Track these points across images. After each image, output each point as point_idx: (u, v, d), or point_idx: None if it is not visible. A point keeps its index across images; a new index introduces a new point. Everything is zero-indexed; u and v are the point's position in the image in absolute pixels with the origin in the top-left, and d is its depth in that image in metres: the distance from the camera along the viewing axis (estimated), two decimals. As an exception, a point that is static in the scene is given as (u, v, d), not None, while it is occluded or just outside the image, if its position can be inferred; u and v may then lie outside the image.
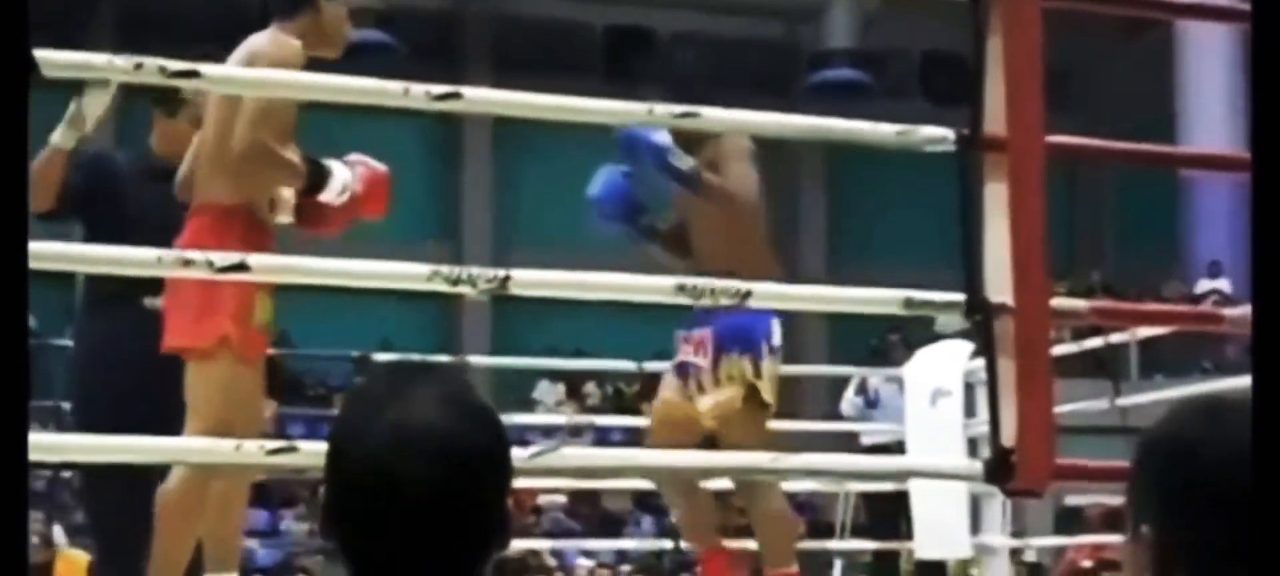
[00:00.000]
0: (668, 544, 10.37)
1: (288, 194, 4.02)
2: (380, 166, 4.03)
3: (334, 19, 3.99)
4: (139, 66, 2.84)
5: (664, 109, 3.13)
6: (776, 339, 4.66)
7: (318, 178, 3.89)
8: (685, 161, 4.49)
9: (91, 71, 3.23)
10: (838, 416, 9.17)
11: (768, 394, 4.63)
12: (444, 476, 1.51)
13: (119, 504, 4.30)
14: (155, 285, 4.15)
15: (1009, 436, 3.03)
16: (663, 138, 4.44)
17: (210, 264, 2.93)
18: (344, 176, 3.94)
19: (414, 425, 1.52)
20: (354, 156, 4.02)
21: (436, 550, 1.52)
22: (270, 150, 3.72)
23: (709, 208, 4.61)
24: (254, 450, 2.98)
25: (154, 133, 4.65)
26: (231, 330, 3.68)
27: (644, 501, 14.43)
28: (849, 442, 8.71)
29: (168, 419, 3.73)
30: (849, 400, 8.81)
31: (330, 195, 3.91)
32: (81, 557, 5.80)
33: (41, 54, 2.79)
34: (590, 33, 18.23)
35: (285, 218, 4.04)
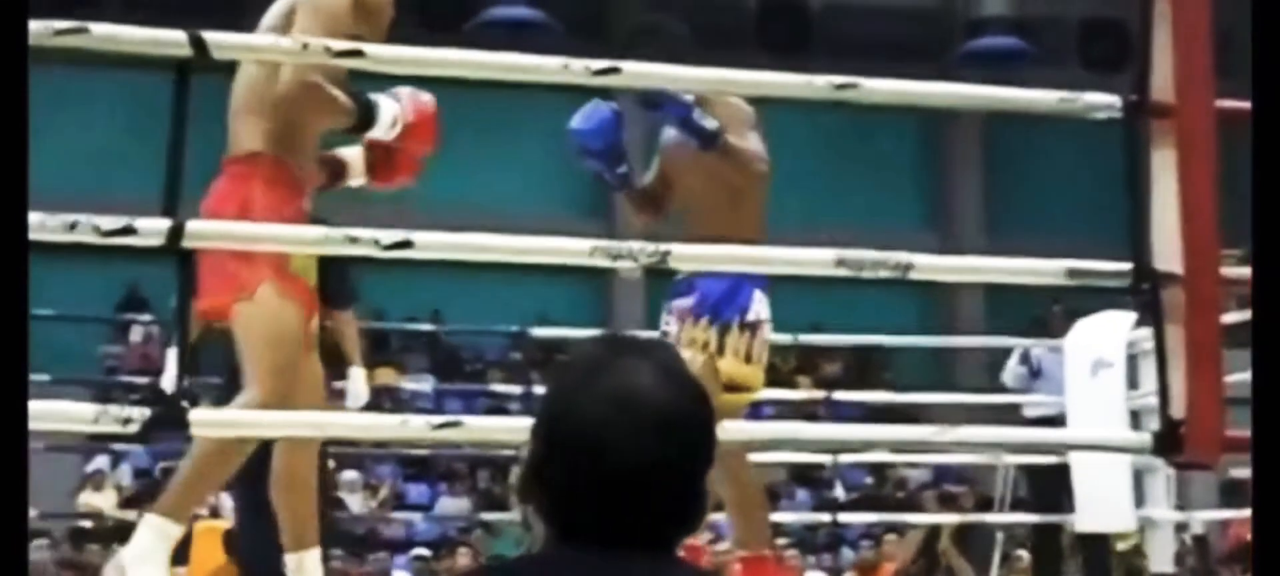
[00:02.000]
0: (825, 517, 10.36)
1: (355, 155, 3.93)
2: (425, 95, 3.84)
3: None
4: (305, 48, 2.88)
5: (824, 80, 3.11)
6: (755, 312, 4.55)
7: (366, 113, 3.72)
8: (709, 121, 4.37)
9: (257, 53, 3.28)
10: (996, 389, 9.06)
11: (728, 367, 4.50)
12: (658, 445, 1.55)
13: (258, 473, 4.39)
14: None
15: (1178, 408, 2.98)
16: (687, 94, 4.34)
17: (376, 242, 2.97)
18: (392, 109, 3.76)
19: (631, 393, 1.57)
20: (401, 89, 3.84)
21: (643, 517, 1.56)
22: (318, 86, 3.57)
23: (714, 171, 4.48)
24: (420, 425, 3.02)
25: None
26: (271, 275, 3.57)
27: (800, 475, 14.39)
28: (1010, 415, 8.60)
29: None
30: (1011, 371, 8.69)
31: (382, 131, 3.75)
32: (219, 525, 5.94)
33: (210, 35, 2.85)
34: (743, 6, 18.15)
35: (358, 179, 3.96)
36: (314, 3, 3.58)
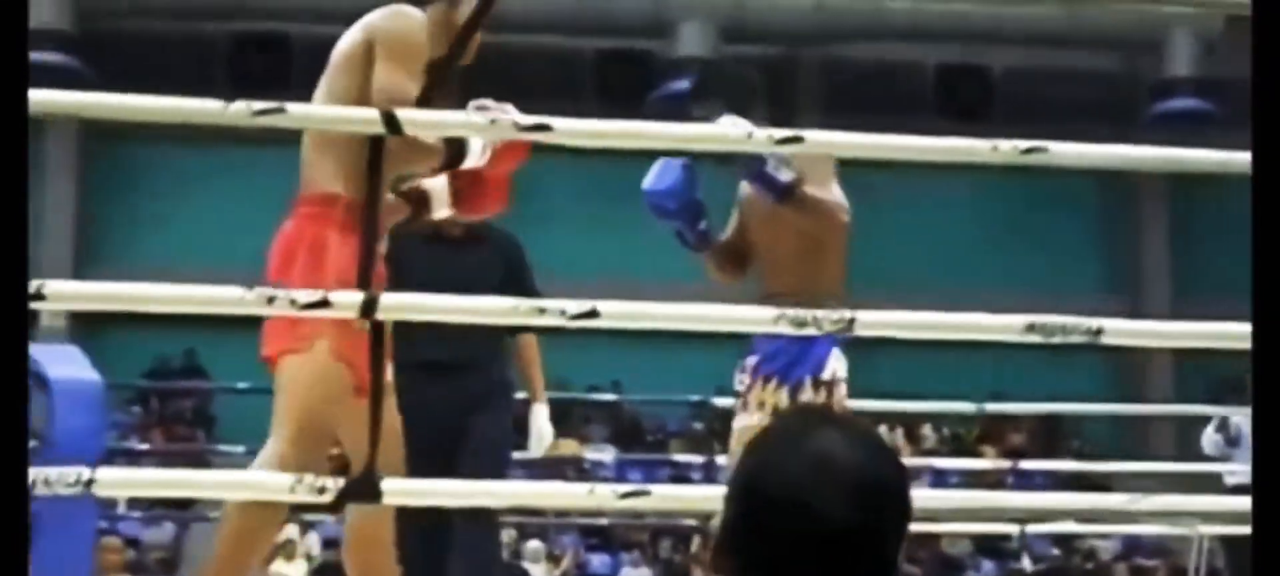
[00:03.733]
0: (1011, 589, 10.18)
1: (439, 187, 3.71)
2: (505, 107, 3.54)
3: (466, 22, 3.53)
4: (493, 123, 2.94)
5: (1010, 145, 3.09)
6: (831, 370, 4.35)
7: (458, 151, 3.50)
8: (784, 172, 4.15)
9: (446, 129, 3.35)
10: (1187, 457, 8.85)
11: None
12: (859, 511, 1.56)
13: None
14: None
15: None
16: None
17: (563, 312, 3.00)
18: (479, 140, 3.53)
19: (833, 459, 1.58)
20: (483, 100, 3.58)
21: None
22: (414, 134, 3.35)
23: (792, 223, 4.30)
24: (607, 494, 3.04)
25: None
26: (332, 331, 3.38)
27: (984, 545, 14.16)
28: (1206, 483, 8.39)
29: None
30: (1209, 438, 8.48)
31: (474, 160, 3.52)
32: None
33: (403, 113, 2.92)
34: (923, 72, 18.07)
35: (443, 211, 3.76)
36: (392, 38, 3.45)
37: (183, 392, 15.75)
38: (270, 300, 2.99)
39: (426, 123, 3.04)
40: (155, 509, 10.60)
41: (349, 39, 3.51)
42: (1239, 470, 8.00)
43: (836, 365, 4.38)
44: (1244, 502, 6.51)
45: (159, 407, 15.70)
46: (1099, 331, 3.07)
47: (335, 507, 3.16)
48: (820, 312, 2.99)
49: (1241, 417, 8.10)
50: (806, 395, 4.32)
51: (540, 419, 5.23)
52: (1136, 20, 17.16)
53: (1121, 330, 3.34)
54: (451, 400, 4.83)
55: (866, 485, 1.58)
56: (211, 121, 3.04)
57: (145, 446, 12.76)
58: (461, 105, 3.33)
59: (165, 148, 16.41)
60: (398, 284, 3.91)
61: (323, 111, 3.02)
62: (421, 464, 3.90)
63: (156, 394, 15.64)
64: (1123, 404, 15.88)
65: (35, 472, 2.98)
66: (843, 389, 4.42)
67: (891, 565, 1.60)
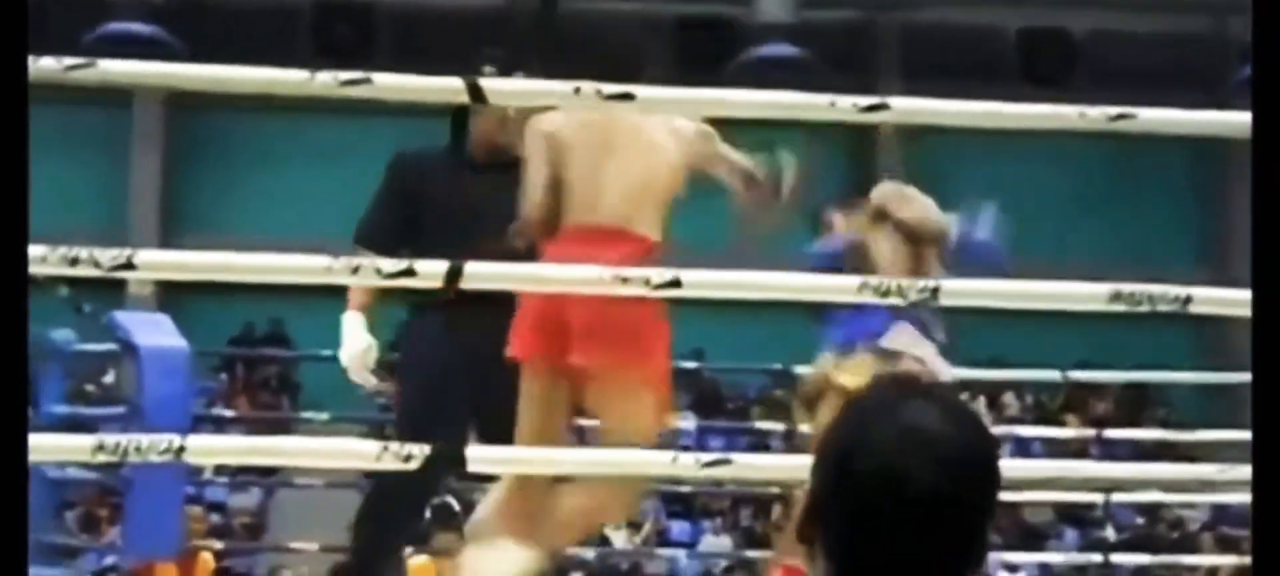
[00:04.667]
0: (1095, 558, 10.11)
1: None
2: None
3: None
4: (577, 91, 2.95)
5: (1098, 111, 3.06)
6: (887, 341, 4.59)
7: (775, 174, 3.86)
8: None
9: (532, 98, 3.36)
10: None
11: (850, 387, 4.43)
12: (950, 481, 1.57)
13: None
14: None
15: None
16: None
17: (647, 281, 3.00)
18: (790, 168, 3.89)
19: (924, 430, 1.59)
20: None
21: (932, 552, 1.58)
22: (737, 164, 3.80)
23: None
24: (690, 462, 3.05)
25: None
26: (662, 357, 3.72)
27: (1067, 514, 14.07)
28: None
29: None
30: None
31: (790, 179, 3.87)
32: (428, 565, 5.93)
33: (487, 83, 2.93)
34: (1004, 36, 17.90)
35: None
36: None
37: (267, 360, 15.90)
38: (355, 270, 3.01)
39: (512, 92, 3.05)
40: (241, 475, 10.72)
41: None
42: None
43: (904, 339, 4.48)
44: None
45: (244, 375, 15.87)
46: (1187, 299, 3.04)
47: (422, 475, 3.19)
48: (904, 281, 2.98)
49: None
50: (861, 361, 4.49)
51: None
52: (1225, -18, 16.93)
53: (1210, 298, 3.31)
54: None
55: (956, 456, 1.59)
56: (298, 92, 3.07)
57: (231, 413, 12.91)
58: (546, 76, 3.37)
59: (251, 117, 16.53)
60: (419, 204, 4.33)
61: (407, 81, 3.04)
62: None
63: (242, 361, 15.80)
64: (1210, 372, 15.70)
65: (127, 439, 3.02)
66: (915, 363, 4.50)
67: (980, 535, 1.61)
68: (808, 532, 1.64)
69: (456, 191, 4.48)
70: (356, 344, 4.30)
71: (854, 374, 4.48)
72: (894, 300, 3.05)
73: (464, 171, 4.53)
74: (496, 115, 4.35)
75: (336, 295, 4.35)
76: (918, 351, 4.58)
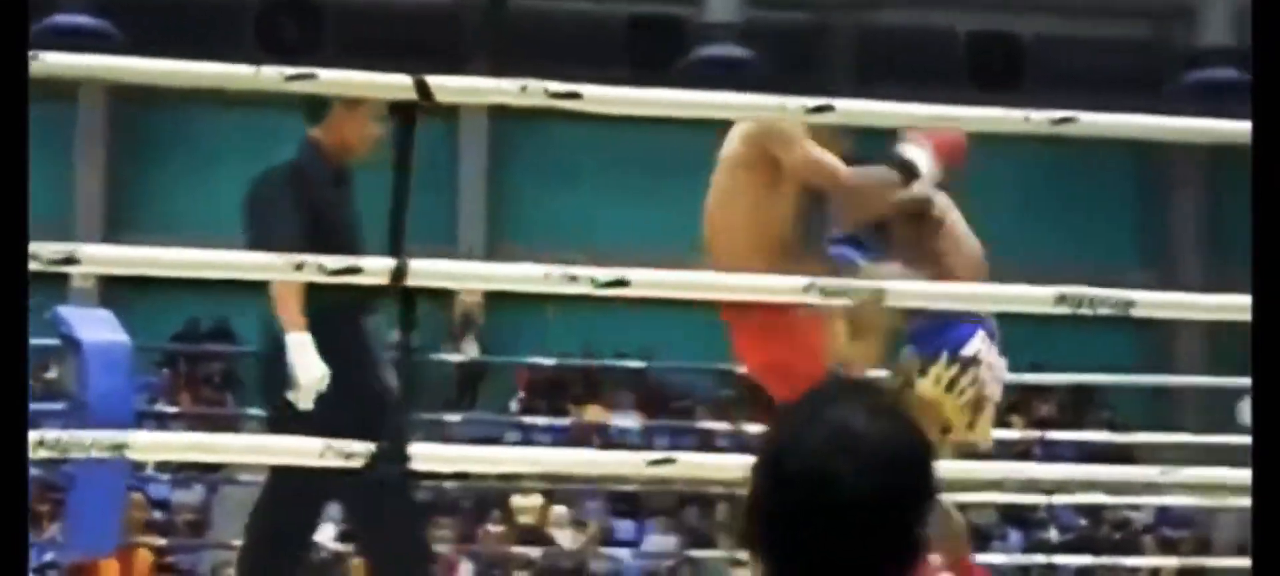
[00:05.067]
0: (1038, 559, 10.17)
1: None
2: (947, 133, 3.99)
3: None
4: (524, 89, 2.94)
5: (1042, 115, 3.07)
6: (968, 349, 4.52)
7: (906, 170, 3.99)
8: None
9: (479, 95, 3.35)
10: (1218, 429, 8.82)
11: (929, 393, 4.50)
12: (879, 481, 1.57)
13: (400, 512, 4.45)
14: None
15: None
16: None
17: (593, 280, 3.00)
18: (922, 157, 4.00)
19: (852, 430, 1.59)
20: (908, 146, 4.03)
21: (864, 553, 1.57)
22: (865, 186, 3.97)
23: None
24: (635, 461, 3.04)
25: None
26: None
27: (1012, 515, 14.14)
28: (1238, 456, 8.36)
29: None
30: (1243, 410, 8.46)
31: (926, 176, 4.02)
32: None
33: (434, 80, 2.92)
34: (953, 40, 17.99)
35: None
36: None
37: (212, 356, 15.80)
38: (299, 266, 2.99)
39: (459, 89, 3.04)
40: (184, 472, 10.65)
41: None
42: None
43: (980, 346, 4.51)
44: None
45: (188, 371, 15.76)
46: (1130, 303, 3.06)
47: (364, 472, 3.18)
48: (852, 282, 2.98)
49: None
50: (941, 369, 4.48)
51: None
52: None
53: (1153, 301, 3.33)
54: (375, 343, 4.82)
55: (886, 456, 1.59)
56: (243, 87, 3.05)
57: (174, 409, 12.82)
58: (497, 74, 3.38)
59: (197, 112, 16.43)
60: (316, 215, 4.43)
61: (352, 77, 3.02)
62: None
63: (186, 357, 15.70)
64: (1153, 375, 15.83)
65: (69, 435, 2.99)
66: (983, 370, 4.52)
67: (914, 536, 1.60)
68: (748, 535, 1.64)
69: (338, 202, 4.54)
70: (315, 369, 4.12)
71: (935, 381, 4.54)
72: (841, 301, 3.05)
73: (331, 183, 4.58)
74: (359, 121, 4.42)
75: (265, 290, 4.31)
76: (991, 359, 4.62)
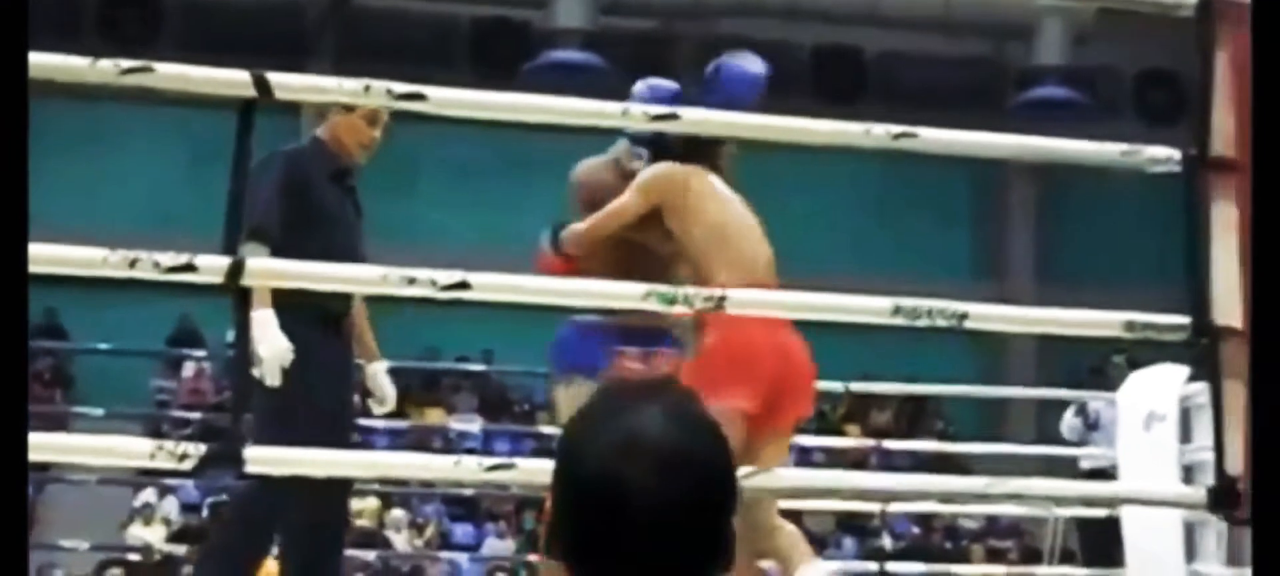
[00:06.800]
0: (872, 566, 10.32)
1: None
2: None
3: None
4: (367, 89, 2.91)
5: (882, 129, 3.11)
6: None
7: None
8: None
9: (321, 94, 3.31)
10: (1047, 439, 9.02)
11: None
12: (672, 486, 1.52)
13: (313, 516, 4.40)
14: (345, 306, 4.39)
15: (1235, 464, 2.95)
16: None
17: (433, 283, 2.99)
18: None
19: (643, 435, 1.54)
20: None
21: (662, 561, 1.52)
22: None
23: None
24: (473, 466, 3.03)
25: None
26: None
27: (846, 522, 14.33)
28: (1062, 466, 8.55)
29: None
30: (1068, 423, 8.66)
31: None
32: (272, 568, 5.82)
33: (274, 76, 2.88)
34: (799, 52, 18.19)
35: None
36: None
37: (41, 352, 15.45)
38: (132, 263, 2.93)
39: (300, 87, 3.00)
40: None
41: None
42: (1095, 454, 8.16)
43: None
44: (1098, 487, 6.67)
45: (17, 367, 15.39)
46: (964, 315, 3.11)
47: (195, 473, 3.13)
48: (691, 290, 3.00)
49: (1100, 402, 8.26)
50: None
51: (382, 377, 5.11)
52: (1009, 7, 17.40)
53: (986, 314, 3.38)
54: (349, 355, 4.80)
55: (679, 460, 1.53)
56: (77, 79, 2.97)
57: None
58: (337, 72, 3.35)
59: (32, 104, 16.05)
60: (307, 203, 4.48)
61: (190, 72, 2.96)
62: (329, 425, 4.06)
63: (14, 353, 15.34)
64: (986, 387, 16.14)
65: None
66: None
67: (715, 541, 1.55)
68: (551, 545, 1.59)
69: (336, 199, 4.56)
70: (279, 343, 4.15)
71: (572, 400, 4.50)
72: (680, 308, 3.06)
73: (329, 179, 4.62)
74: (353, 124, 4.47)
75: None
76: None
